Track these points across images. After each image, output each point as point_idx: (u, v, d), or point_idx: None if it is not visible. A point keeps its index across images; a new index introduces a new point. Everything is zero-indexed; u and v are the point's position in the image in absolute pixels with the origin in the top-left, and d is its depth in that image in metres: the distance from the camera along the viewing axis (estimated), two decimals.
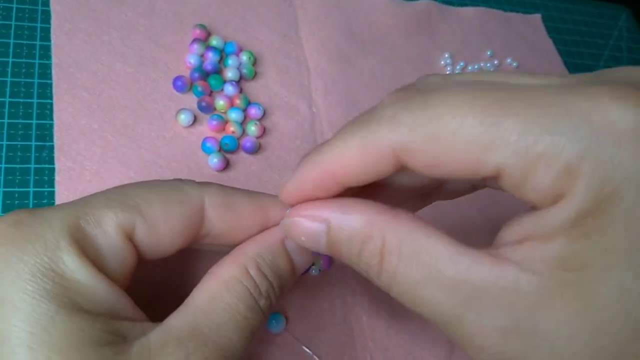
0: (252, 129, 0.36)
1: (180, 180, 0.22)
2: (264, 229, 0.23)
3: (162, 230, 0.20)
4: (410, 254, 0.17)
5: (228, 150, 0.35)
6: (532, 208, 0.17)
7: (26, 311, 0.16)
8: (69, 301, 0.16)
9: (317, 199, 0.20)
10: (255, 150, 0.36)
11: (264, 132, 0.37)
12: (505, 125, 0.15)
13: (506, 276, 0.16)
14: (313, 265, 0.33)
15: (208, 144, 0.34)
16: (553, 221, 0.16)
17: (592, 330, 0.15)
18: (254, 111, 0.37)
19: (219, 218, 0.21)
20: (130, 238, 0.19)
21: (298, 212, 0.20)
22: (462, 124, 0.16)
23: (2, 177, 0.31)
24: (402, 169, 0.18)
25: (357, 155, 0.18)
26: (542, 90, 0.16)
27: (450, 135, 0.16)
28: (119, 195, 0.20)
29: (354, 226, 0.18)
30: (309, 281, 0.33)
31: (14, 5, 0.36)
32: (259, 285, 0.21)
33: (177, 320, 0.19)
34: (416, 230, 0.18)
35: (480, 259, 0.16)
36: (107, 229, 0.19)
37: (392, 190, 0.22)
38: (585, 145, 0.14)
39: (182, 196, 0.20)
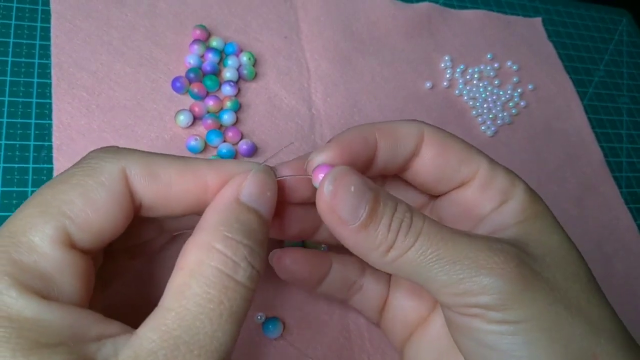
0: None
1: (95, 154, 0.20)
2: (203, 195, 0.21)
3: (95, 220, 0.19)
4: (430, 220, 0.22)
5: (226, 155, 0.35)
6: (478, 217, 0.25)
7: None
8: (23, 341, 0.16)
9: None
10: (253, 153, 0.36)
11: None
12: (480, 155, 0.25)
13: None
14: None
15: (192, 143, 0.34)
16: (504, 215, 0.23)
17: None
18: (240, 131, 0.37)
19: (145, 188, 0.20)
20: (70, 245, 0.18)
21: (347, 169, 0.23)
22: (459, 137, 0.26)
23: (0, 177, 0.31)
24: (405, 166, 0.25)
25: (400, 128, 0.24)
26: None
27: (453, 136, 0.25)
28: (38, 207, 0.18)
29: (386, 191, 0.22)
30: None
31: (14, 5, 0.36)
32: (233, 255, 0.18)
33: (147, 328, 0.17)
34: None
35: (478, 236, 0.22)
36: (43, 250, 0.17)
37: None
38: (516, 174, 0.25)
39: (100, 177, 0.19)
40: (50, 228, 0.18)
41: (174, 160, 0.21)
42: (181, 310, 0.17)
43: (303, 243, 0.34)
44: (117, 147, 0.21)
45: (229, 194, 0.20)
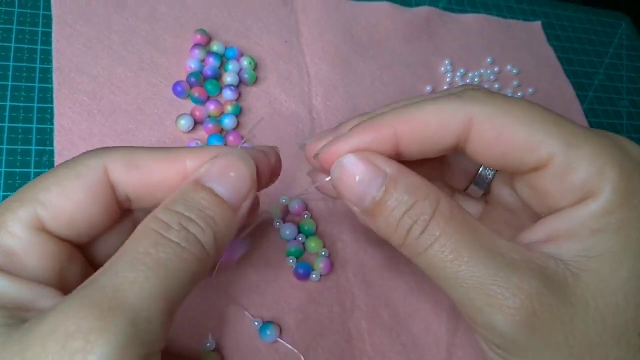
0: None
1: (83, 154, 0.21)
2: (184, 181, 0.21)
3: (69, 210, 0.20)
4: (459, 220, 0.20)
5: None
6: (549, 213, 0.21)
7: None
8: None
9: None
10: None
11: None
12: (563, 125, 0.20)
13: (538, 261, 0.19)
14: (313, 270, 0.33)
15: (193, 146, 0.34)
16: (579, 217, 0.19)
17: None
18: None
19: (127, 179, 0.21)
20: (41, 229, 0.19)
21: (360, 153, 0.21)
22: (531, 113, 0.20)
23: (2, 182, 0.31)
24: (457, 148, 0.21)
25: (433, 119, 0.21)
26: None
27: (519, 116, 0.20)
28: (18, 194, 0.20)
29: (414, 183, 0.20)
30: (309, 287, 0.33)
31: (16, 10, 0.36)
32: (168, 221, 0.19)
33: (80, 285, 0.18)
34: (461, 207, 0.20)
35: (515, 245, 0.20)
36: (11, 230, 0.19)
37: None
38: (618, 153, 0.19)
39: (79, 169, 0.20)
40: (23, 212, 0.19)
41: (154, 151, 0.22)
42: (110, 263, 0.18)
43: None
44: (105, 147, 0.22)
45: (192, 176, 0.21)
